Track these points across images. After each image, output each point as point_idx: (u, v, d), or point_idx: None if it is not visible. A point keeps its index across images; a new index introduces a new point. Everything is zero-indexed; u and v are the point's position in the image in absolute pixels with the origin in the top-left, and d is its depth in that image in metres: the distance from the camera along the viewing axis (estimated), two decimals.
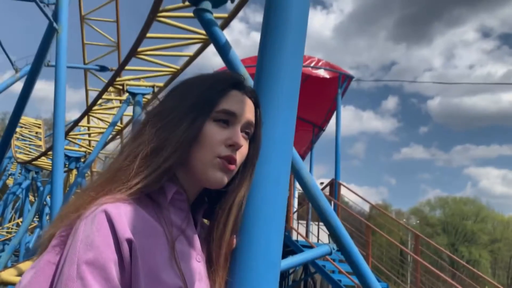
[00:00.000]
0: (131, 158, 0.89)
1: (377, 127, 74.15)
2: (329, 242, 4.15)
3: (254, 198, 0.98)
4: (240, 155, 0.95)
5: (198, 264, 0.91)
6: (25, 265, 3.53)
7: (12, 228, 21.31)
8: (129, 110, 8.32)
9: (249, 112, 0.97)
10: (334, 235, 3.79)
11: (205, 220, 1.04)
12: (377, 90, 73.02)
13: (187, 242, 0.91)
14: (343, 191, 9.05)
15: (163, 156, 0.89)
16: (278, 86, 1.04)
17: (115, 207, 0.82)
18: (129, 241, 0.80)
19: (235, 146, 0.93)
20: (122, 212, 0.82)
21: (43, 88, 56.83)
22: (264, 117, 1.02)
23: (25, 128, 17.05)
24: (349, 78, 9.37)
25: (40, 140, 16.60)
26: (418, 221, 40.21)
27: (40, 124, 17.51)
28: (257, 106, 1.00)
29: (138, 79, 7.25)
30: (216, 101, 0.94)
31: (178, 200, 0.93)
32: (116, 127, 9.18)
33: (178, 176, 0.94)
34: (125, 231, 0.80)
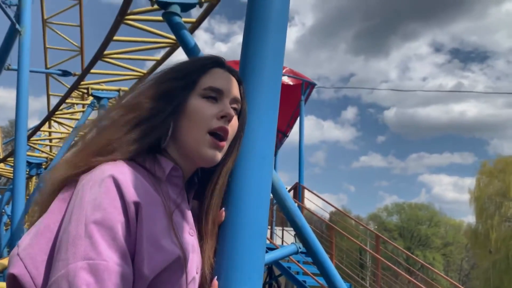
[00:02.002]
0: (122, 127, 0.93)
1: (337, 136, 75.65)
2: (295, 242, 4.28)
3: (241, 171, 1.03)
4: (231, 129, 0.99)
5: (191, 238, 0.95)
6: None
7: None
8: (93, 115, 8.17)
9: (234, 88, 1.02)
10: (300, 235, 3.90)
11: None
12: (337, 101, 74.73)
13: (181, 216, 0.95)
14: (306, 196, 9.27)
15: (151, 125, 0.93)
16: (262, 65, 1.08)
17: (121, 172, 0.86)
18: (136, 204, 0.83)
19: (227, 117, 0.97)
20: (128, 179, 0.86)
21: None
22: (249, 94, 1.05)
23: None
24: (311, 85, 9.65)
25: None
26: (376, 227, 41.15)
27: None
28: (240, 83, 1.05)
29: (103, 83, 7.15)
30: (196, 74, 0.99)
31: (174, 176, 0.96)
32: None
33: (171, 154, 0.97)
34: (132, 195, 0.83)
